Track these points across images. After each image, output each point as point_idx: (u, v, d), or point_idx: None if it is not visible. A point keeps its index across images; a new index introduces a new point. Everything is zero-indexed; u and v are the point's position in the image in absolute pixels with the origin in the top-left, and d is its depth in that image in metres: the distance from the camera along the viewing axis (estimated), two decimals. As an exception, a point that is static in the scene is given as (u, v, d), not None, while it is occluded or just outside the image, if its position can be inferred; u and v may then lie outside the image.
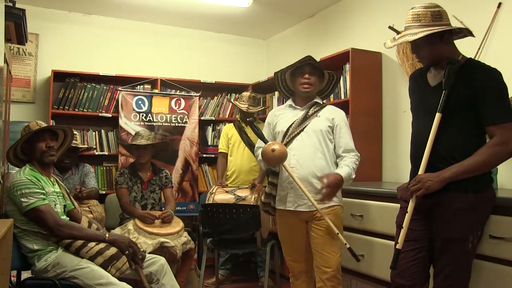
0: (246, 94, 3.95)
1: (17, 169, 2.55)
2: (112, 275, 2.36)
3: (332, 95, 3.66)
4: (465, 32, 1.98)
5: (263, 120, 3.75)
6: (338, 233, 2.33)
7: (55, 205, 2.51)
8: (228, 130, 3.97)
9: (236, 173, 3.83)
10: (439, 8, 1.92)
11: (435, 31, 1.87)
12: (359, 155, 2.53)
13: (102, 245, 2.43)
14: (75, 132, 3.30)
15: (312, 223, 2.48)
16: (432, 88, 1.99)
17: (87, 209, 3.18)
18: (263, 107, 4.20)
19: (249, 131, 3.85)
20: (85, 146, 3.80)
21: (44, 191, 2.43)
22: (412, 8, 1.95)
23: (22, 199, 2.34)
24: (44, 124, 2.60)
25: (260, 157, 2.58)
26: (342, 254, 2.49)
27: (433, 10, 1.90)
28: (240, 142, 3.86)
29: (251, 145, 3.81)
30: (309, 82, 2.55)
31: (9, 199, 2.40)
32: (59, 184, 2.68)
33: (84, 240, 2.42)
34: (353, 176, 2.45)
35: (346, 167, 2.43)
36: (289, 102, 2.69)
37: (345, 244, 2.31)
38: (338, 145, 2.52)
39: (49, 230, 2.37)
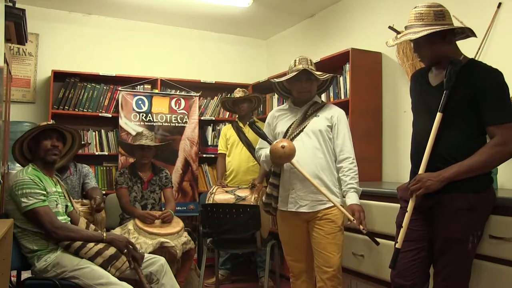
0: (236, 90, 4.00)
1: (18, 169, 2.55)
2: (112, 275, 2.36)
3: (332, 95, 3.67)
4: (468, 33, 1.98)
5: (263, 120, 3.76)
6: (354, 220, 2.30)
7: (56, 205, 2.51)
8: (227, 131, 3.98)
9: (234, 173, 3.84)
10: (442, 8, 1.92)
11: (438, 30, 1.87)
12: (354, 158, 2.50)
13: (101, 245, 2.43)
14: None
15: (313, 223, 2.47)
16: (433, 88, 1.99)
17: (87, 210, 3.17)
18: (254, 95, 4.13)
19: (247, 131, 3.86)
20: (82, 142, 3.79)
21: (45, 192, 2.43)
22: (415, 7, 1.95)
23: (22, 199, 2.34)
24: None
25: (263, 158, 2.57)
26: (342, 254, 2.49)
27: (436, 10, 1.90)
28: (238, 142, 3.87)
29: (249, 145, 3.82)
30: (306, 89, 2.54)
31: (11, 198, 2.40)
32: (61, 185, 2.68)
33: (82, 241, 2.42)
34: (360, 190, 2.46)
35: (352, 192, 2.42)
36: (288, 102, 2.68)
37: (363, 229, 2.28)
38: (335, 145, 2.51)
39: (46, 232, 2.37)
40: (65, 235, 2.39)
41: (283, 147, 2.34)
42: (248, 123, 2.59)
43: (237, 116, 4.11)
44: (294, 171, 2.47)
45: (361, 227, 2.30)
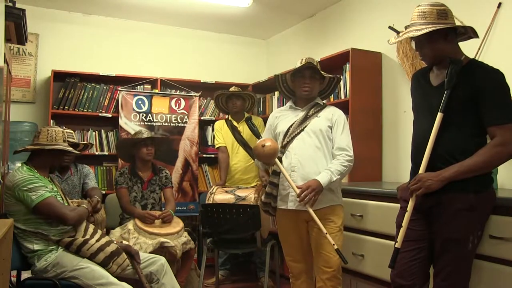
0: (231, 87, 4.01)
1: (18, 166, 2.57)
2: (114, 272, 2.39)
3: (332, 95, 3.66)
4: (470, 33, 1.98)
5: (264, 119, 3.75)
6: (326, 234, 2.30)
7: None
8: (222, 125, 3.96)
9: (233, 173, 3.84)
10: (444, 7, 1.93)
11: (440, 27, 1.87)
12: (351, 154, 2.50)
13: (102, 241, 2.47)
14: (70, 131, 3.31)
15: (312, 223, 2.47)
16: (434, 88, 1.99)
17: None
18: (246, 92, 4.13)
19: (241, 129, 3.85)
20: (84, 142, 3.79)
21: (46, 186, 2.47)
22: (418, 6, 1.96)
23: (30, 194, 2.37)
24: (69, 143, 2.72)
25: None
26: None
27: (439, 9, 1.91)
28: (233, 142, 3.86)
29: (245, 145, 3.82)
30: (309, 85, 2.56)
31: (13, 198, 2.40)
32: (55, 184, 2.69)
33: (84, 238, 2.45)
34: (334, 179, 2.41)
35: (327, 171, 2.41)
36: (290, 103, 2.69)
37: (333, 245, 2.28)
38: (335, 143, 2.52)
39: (63, 217, 2.43)
40: (77, 215, 2.50)
41: (263, 145, 2.37)
42: (245, 118, 2.60)
43: (230, 116, 4.05)
44: (294, 170, 2.47)
45: (332, 242, 2.27)
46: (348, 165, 2.48)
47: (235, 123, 3.91)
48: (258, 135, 2.54)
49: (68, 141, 2.72)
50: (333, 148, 2.53)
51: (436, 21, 1.89)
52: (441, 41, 1.92)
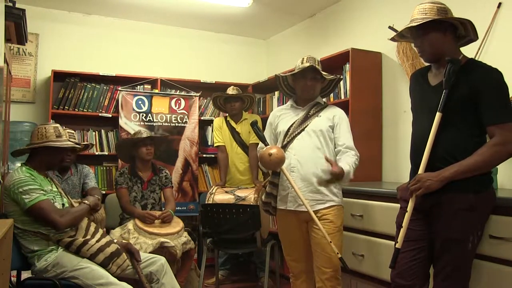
0: (229, 87, 3.97)
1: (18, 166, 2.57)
2: (114, 272, 2.38)
3: (332, 95, 3.67)
4: (470, 35, 1.99)
5: (263, 120, 3.75)
6: (330, 242, 2.28)
7: (53, 203, 2.52)
8: (222, 124, 3.95)
9: (232, 173, 3.83)
10: (445, 6, 1.95)
11: (437, 18, 1.88)
12: (359, 155, 2.52)
13: (102, 242, 2.46)
14: (71, 131, 3.31)
15: (312, 223, 2.47)
16: (433, 87, 2.00)
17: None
18: (245, 94, 4.11)
19: (240, 130, 3.84)
20: (84, 142, 3.79)
21: (43, 188, 2.46)
22: (420, 4, 1.98)
23: (24, 196, 2.36)
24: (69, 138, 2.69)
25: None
26: (342, 254, 2.48)
27: (439, 6, 1.93)
28: (232, 143, 3.86)
29: (243, 145, 3.81)
30: (310, 87, 2.55)
31: (10, 199, 2.40)
32: (55, 184, 2.69)
33: (84, 238, 2.44)
34: (351, 176, 2.40)
35: (347, 165, 2.37)
36: (290, 102, 2.69)
37: (337, 253, 2.27)
38: (337, 143, 2.52)
39: (53, 223, 2.38)
40: (70, 219, 2.44)
41: (270, 154, 2.32)
42: (251, 123, 2.57)
43: (228, 116, 4.04)
44: (293, 170, 2.47)
45: (336, 251, 2.26)
46: (357, 164, 2.47)
47: (233, 124, 3.91)
48: (264, 141, 2.51)
49: (69, 141, 2.71)
50: (337, 146, 2.51)
51: (436, 17, 1.90)
52: (439, 36, 1.93)
